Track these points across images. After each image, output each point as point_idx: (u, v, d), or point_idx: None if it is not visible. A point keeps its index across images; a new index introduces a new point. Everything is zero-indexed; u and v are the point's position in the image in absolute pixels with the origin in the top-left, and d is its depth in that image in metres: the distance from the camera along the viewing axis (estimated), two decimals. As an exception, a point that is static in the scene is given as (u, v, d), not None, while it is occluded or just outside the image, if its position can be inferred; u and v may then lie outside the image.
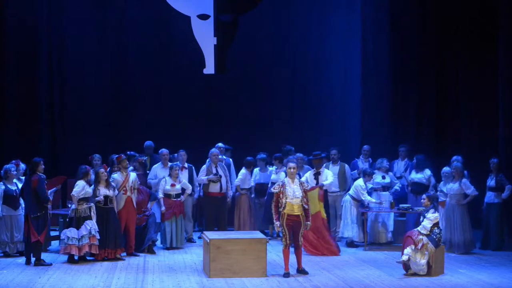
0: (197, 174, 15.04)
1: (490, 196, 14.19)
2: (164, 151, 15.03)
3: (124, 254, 13.20)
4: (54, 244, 14.00)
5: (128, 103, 17.74)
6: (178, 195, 14.12)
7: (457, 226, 13.75)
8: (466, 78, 16.13)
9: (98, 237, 12.64)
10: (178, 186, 14.12)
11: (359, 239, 14.33)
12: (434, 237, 11.82)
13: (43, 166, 12.72)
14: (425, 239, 11.77)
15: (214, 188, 14.91)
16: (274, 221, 11.77)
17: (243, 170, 15.27)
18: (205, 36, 16.54)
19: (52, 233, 14.28)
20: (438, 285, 11.16)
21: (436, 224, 11.90)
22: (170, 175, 14.13)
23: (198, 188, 15.17)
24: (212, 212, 14.92)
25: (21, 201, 13.13)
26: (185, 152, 15.02)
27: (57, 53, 17.43)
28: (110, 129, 17.64)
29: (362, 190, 14.21)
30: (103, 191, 12.91)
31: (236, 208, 15.22)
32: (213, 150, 15.05)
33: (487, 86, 15.73)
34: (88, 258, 12.83)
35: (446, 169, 14.06)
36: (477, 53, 15.89)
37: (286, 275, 11.60)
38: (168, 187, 14.08)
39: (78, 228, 12.56)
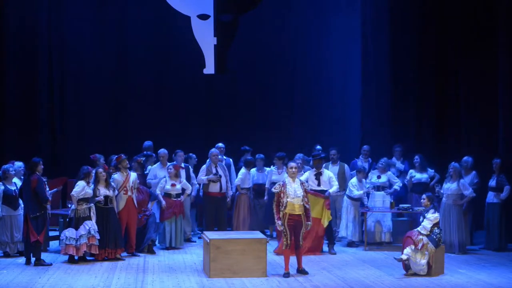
0: (196, 174, 15.04)
1: (490, 196, 14.21)
2: (162, 151, 15.01)
3: (125, 253, 13.20)
4: (54, 244, 14.00)
5: (128, 103, 17.72)
6: (178, 195, 14.12)
7: (453, 226, 13.76)
8: (466, 78, 16.12)
9: (98, 237, 12.64)
10: (178, 186, 14.12)
11: (354, 238, 14.38)
12: (434, 237, 11.82)
13: (42, 166, 12.73)
14: (425, 239, 11.77)
15: (214, 188, 14.91)
16: (276, 220, 11.76)
17: (242, 170, 15.27)
18: (205, 36, 16.55)
19: (52, 233, 14.28)
20: (438, 285, 11.16)
21: (436, 224, 11.90)
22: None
23: (197, 187, 15.15)
24: (212, 212, 14.92)
25: (21, 201, 13.13)
26: (183, 152, 15.02)
27: (57, 53, 17.42)
28: (110, 129, 17.61)
29: (352, 186, 14.27)
30: (103, 191, 12.91)
31: (235, 208, 15.22)
32: (213, 150, 15.05)
33: (487, 86, 15.73)
34: (88, 258, 12.84)
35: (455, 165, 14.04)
36: (477, 53, 15.89)
37: (286, 275, 11.60)
38: (168, 186, 14.09)
39: (76, 228, 12.57)
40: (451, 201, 13.81)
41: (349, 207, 14.45)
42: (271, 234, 15.26)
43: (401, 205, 14.44)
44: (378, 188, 14.79)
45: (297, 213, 11.73)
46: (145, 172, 14.91)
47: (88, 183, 12.78)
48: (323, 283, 11.21)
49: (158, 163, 15.01)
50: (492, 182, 14.18)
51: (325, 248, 13.82)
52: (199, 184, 15.14)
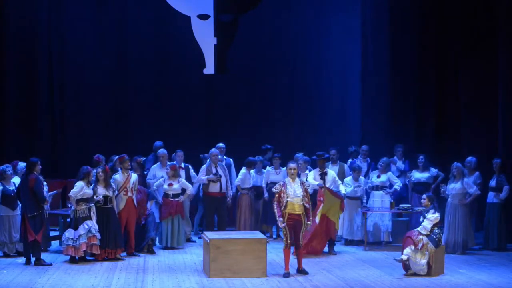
0: (197, 174, 15.04)
1: (490, 196, 14.21)
2: (162, 151, 15.01)
3: (124, 254, 13.20)
4: (54, 244, 14.00)
5: (128, 103, 17.73)
6: (176, 195, 14.09)
7: (459, 226, 13.74)
8: (466, 78, 16.12)
9: (99, 237, 12.63)
10: (176, 186, 14.10)
11: (350, 237, 14.43)
12: (434, 237, 11.82)
13: (40, 166, 12.72)
14: (425, 239, 11.77)
15: (214, 188, 14.90)
16: (277, 218, 11.76)
17: (243, 170, 15.26)
18: (205, 36, 16.56)
19: (52, 233, 14.28)
20: (438, 285, 11.16)
21: (436, 224, 11.90)
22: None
23: (197, 186, 15.15)
24: (212, 212, 14.92)
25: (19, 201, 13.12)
26: (183, 152, 15.01)
27: (57, 53, 17.43)
28: (110, 129, 17.62)
29: (345, 184, 14.23)
30: (101, 191, 12.90)
31: (237, 208, 15.22)
32: (213, 150, 15.04)
33: (487, 86, 15.73)
34: (88, 258, 12.84)
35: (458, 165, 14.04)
36: (477, 53, 15.89)
37: (286, 275, 11.60)
38: (166, 186, 14.09)
39: (75, 229, 12.56)
40: (456, 201, 13.79)
41: (346, 206, 14.39)
42: (271, 235, 15.26)
43: (401, 205, 14.44)
44: (377, 188, 14.79)
45: (297, 212, 11.73)
46: (145, 173, 14.93)
47: (88, 183, 12.77)
48: (323, 283, 11.21)
49: (158, 163, 15.00)
50: (492, 182, 14.18)
51: (325, 248, 13.81)
52: (200, 184, 15.13)
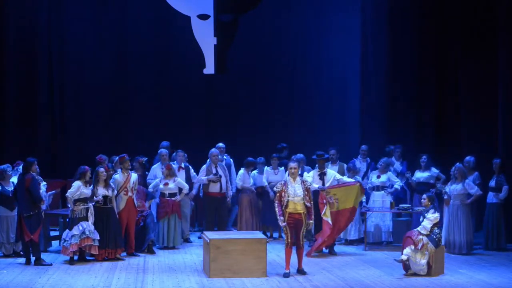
0: (197, 174, 15.04)
1: (490, 196, 14.22)
2: (163, 151, 15.01)
3: (124, 254, 13.20)
4: (54, 244, 14.00)
5: (128, 103, 17.74)
6: (172, 195, 14.07)
7: (461, 226, 13.73)
8: (466, 78, 16.12)
9: (98, 238, 12.61)
10: (171, 185, 14.08)
11: (350, 237, 14.44)
12: (434, 237, 11.82)
13: (36, 166, 12.72)
14: (425, 239, 11.77)
15: (214, 188, 14.90)
16: (278, 216, 11.75)
17: (241, 171, 15.26)
18: (205, 36, 16.55)
19: (52, 233, 14.28)
20: (438, 285, 11.16)
21: (436, 224, 11.90)
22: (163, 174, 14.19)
23: (197, 186, 15.14)
24: (212, 212, 14.92)
25: (18, 201, 13.13)
26: (183, 152, 15.02)
27: (57, 53, 17.44)
28: (110, 129, 17.63)
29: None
30: (101, 191, 12.89)
31: (239, 209, 15.22)
32: (213, 150, 15.04)
33: (487, 86, 15.73)
34: (88, 258, 12.84)
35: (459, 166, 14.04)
36: (477, 53, 15.89)
37: (286, 275, 11.60)
38: (161, 186, 14.09)
39: (70, 229, 12.55)
40: (458, 201, 13.78)
41: None
42: (271, 235, 15.27)
43: (401, 205, 14.44)
44: (377, 188, 14.80)
45: (298, 212, 11.74)
46: (146, 173, 14.93)
47: (85, 183, 12.71)
48: (323, 283, 11.21)
49: (159, 162, 15.00)
50: (492, 182, 14.19)
51: (325, 248, 13.82)
52: (200, 184, 15.13)
